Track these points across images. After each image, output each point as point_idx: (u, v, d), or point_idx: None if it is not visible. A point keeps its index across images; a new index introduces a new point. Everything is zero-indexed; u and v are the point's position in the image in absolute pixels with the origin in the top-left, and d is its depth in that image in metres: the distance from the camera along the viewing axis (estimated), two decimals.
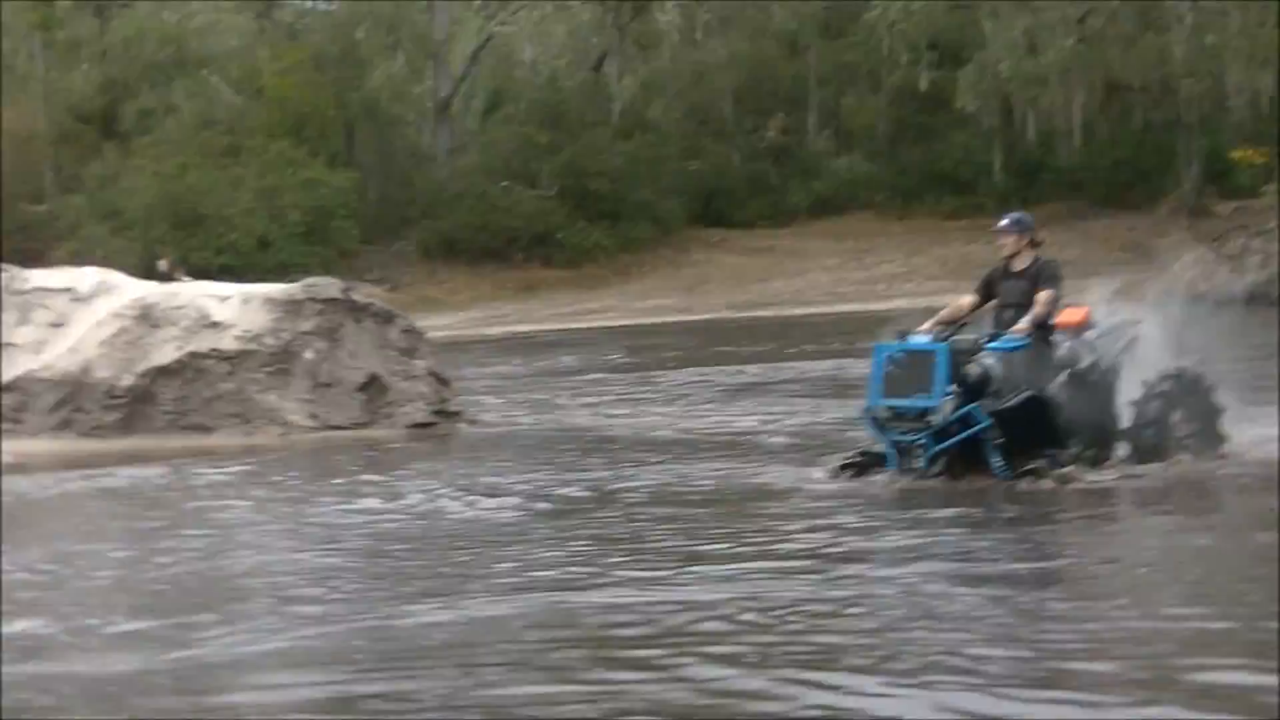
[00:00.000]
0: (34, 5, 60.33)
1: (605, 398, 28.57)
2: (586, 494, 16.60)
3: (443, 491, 17.25)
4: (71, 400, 25.44)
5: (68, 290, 26.89)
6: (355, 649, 9.90)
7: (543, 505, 15.94)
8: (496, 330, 50.67)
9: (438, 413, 25.09)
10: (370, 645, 10.01)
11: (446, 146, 64.83)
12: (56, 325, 26.17)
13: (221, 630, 10.56)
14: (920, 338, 15.58)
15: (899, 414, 15.36)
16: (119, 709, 8.77)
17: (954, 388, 15.14)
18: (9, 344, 25.97)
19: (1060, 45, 51.87)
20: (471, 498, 16.71)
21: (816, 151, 68.31)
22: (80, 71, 60.67)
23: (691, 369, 33.23)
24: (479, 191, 60.03)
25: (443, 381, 25.92)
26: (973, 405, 15.08)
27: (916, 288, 47.97)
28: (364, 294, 28.70)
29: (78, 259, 35.60)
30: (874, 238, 62.60)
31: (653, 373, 32.84)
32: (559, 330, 49.36)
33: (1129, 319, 16.43)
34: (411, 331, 26.38)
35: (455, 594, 11.51)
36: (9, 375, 25.64)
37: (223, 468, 21.34)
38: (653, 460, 18.96)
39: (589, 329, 49.45)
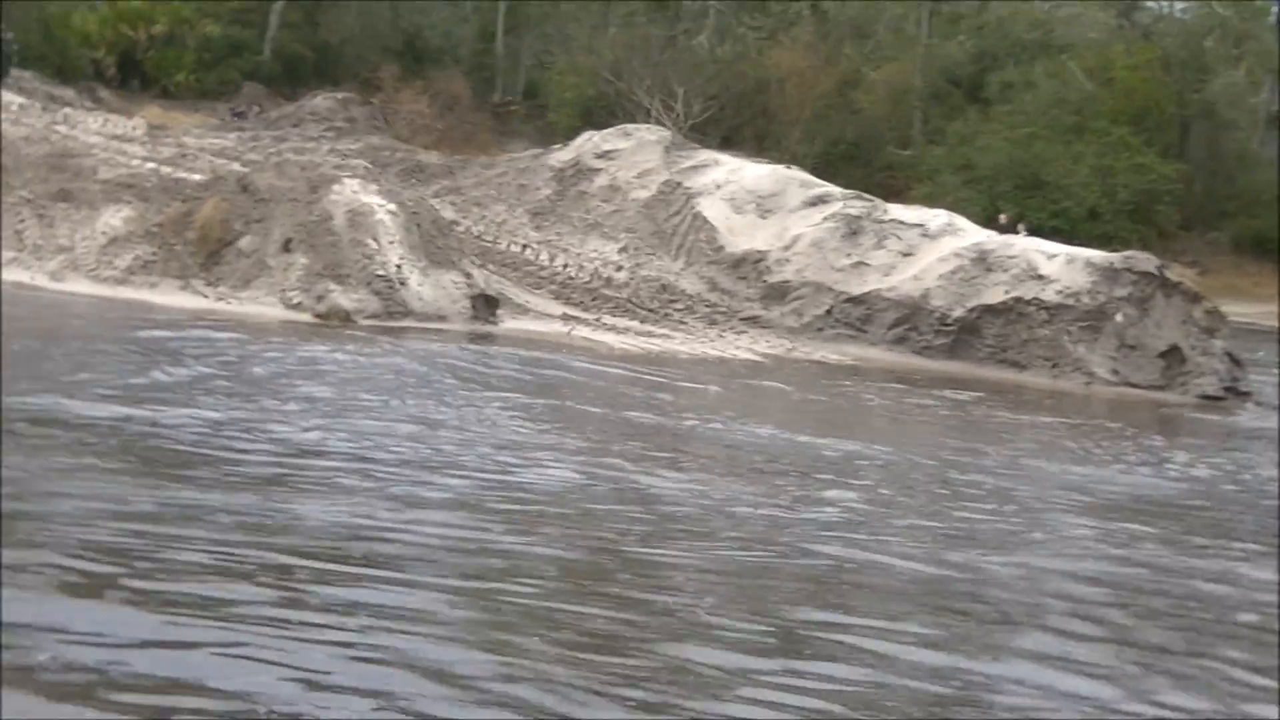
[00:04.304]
0: None
1: None
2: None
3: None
4: (908, 320, 26.16)
5: (919, 226, 27.55)
6: None
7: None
8: None
9: (1228, 389, 24.41)
10: None
11: (1276, 154, 62.14)
12: (906, 255, 26.89)
13: None
14: None
15: None
16: None
17: None
18: (863, 263, 26.89)
19: None
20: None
21: None
22: (957, 41, 61.42)
23: None
24: None
25: (1236, 362, 25.18)
26: None
27: None
28: (1175, 273, 28.09)
29: (930, 201, 36.28)
30: None
31: None
32: None
33: None
34: (1214, 313, 25.72)
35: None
36: (859, 290, 26.57)
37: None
38: None
39: None
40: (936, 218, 28.13)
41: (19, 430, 10.97)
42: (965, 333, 25.87)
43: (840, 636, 8.11)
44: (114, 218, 23.12)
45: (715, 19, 61.02)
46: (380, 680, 6.57)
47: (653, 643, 7.61)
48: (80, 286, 21.59)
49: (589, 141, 31.64)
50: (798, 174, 30.30)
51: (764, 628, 8.11)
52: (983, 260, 26.38)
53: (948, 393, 22.00)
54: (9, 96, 29.13)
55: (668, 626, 7.97)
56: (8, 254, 22.19)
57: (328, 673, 6.60)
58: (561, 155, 31.66)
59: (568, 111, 55.75)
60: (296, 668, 6.61)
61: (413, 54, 61.48)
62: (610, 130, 32.60)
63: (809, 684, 7.23)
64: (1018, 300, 25.71)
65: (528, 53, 64.71)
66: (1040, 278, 25.86)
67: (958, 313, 25.97)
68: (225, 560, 8.14)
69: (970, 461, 15.38)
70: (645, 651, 7.45)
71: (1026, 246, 27.28)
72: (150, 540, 8.38)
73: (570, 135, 36.53)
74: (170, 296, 21.58)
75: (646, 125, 35.25)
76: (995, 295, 25.88)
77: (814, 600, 8.95)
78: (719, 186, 28.98)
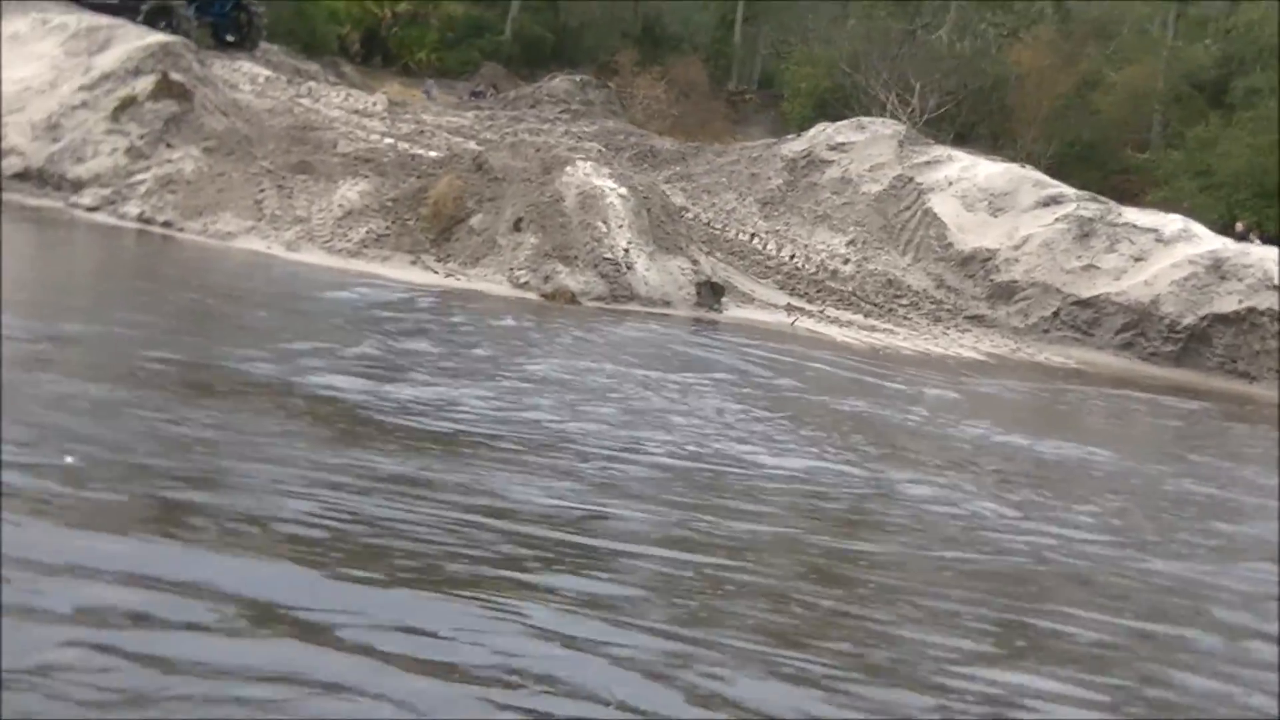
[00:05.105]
0: None
1: None
2: None
3: None
4: (1136, 326, 25.71)
5: (1153, 231, 27.04)
6: None
7: None
8: None
9: None
10: None
11: None
12: (1138, 259, 26.42)
13: None
14: None
15: None
16: None
17: None
18: (1094, 266, 26.47)
19: None
20: None
21: None
22: (1203, 45, 60.02)
23: None
24: None
25: None
26: None
27: None
28: None
29: (1166, 206, 35.54)
30: None
31: None
32: None
33: None
34: None
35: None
36: (1088, 293, 26.16)
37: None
38: None
39: None
40: (1171, 223, 27.58)
41: (232, 394, 11.31)
42: (1194, 341, 25.34)
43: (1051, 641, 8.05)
44: (351, 191, 23.66)
45: (956, 14, 60.39)
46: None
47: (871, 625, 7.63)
48: (314, 257, 22.13)
49: (822, 133, 31.58)
50: (1031, 173, 29.91)
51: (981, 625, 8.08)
52: (1217, 268, 25.82)
53: (1175, 401, 21.59)
54: (256, 69, 29.97)
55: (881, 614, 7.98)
56: (247, 223, 22.82)
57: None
58: (794, 145, 31.64)
59: (802, 102, 55.67)
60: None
61: (651, 40, 61.93)
62: (844, 122, 32.52)
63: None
64: (1251, 310, 25.12)
65: (765, 42, 64.78)
66: (1276, 288, 25.24)
67: (1188, 320, 25.46)
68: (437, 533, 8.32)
69: (1193, 471, 15.09)
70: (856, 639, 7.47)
71: (1264, 256, 26.62)
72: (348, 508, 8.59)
73: (804, 126, 36.50)
74: (401, 270, 22.02)
75: (881, 119, 35.06)
76: (1228, 304, 25.32)
77: (1019, 600, 8.88)
78: (951, 183, 28.73)
